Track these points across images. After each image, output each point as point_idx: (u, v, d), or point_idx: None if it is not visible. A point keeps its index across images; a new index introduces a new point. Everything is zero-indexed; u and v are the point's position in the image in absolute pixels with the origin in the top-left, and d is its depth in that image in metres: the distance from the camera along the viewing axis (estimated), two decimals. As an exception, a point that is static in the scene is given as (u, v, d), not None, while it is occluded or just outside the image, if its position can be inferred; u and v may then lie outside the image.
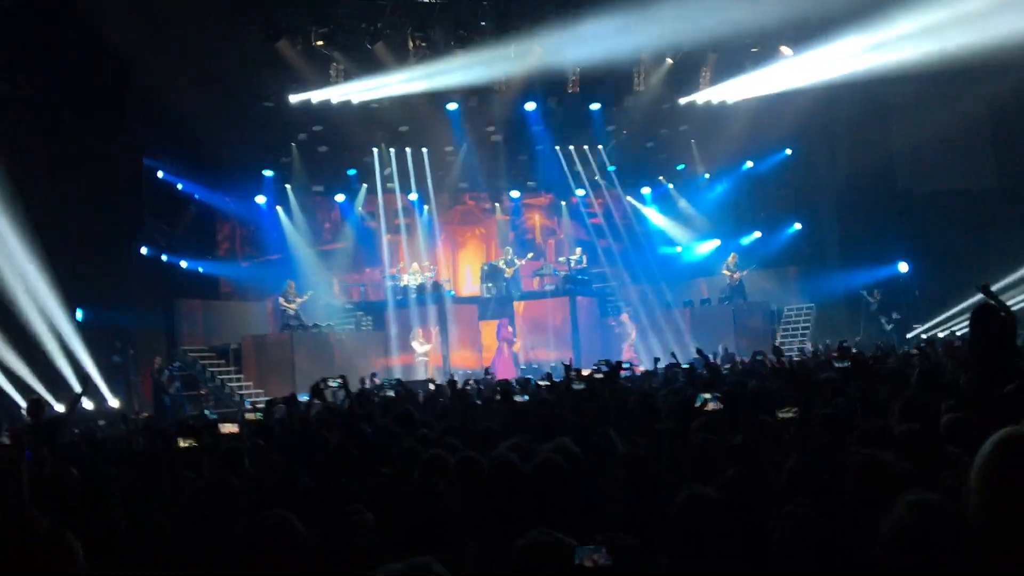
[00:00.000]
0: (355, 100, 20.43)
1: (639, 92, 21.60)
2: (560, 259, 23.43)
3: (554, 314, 22.33)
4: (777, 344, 13.29)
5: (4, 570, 3.30)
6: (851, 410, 5.10)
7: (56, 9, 15.02)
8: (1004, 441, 2.33)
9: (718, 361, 14.44)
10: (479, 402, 9.06)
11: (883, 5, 16.18)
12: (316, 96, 19.98)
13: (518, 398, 6.82)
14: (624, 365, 7.61)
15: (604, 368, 7.06)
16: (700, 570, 2.96)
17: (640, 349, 20.58)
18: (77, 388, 13.36)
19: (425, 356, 20.43)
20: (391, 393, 9.63)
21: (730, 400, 4.70)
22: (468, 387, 10.37)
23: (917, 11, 15.77)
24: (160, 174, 19.35)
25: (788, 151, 22.94)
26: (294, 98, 20.02)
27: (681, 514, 3.06)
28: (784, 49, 20.90)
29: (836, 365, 5.75)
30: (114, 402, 15.97)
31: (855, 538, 2.81)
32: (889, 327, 19.39)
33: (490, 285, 21.67)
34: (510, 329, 21.19)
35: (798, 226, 22.90)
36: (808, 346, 18.46)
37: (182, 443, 5.47)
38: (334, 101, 20.19)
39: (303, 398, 7.26)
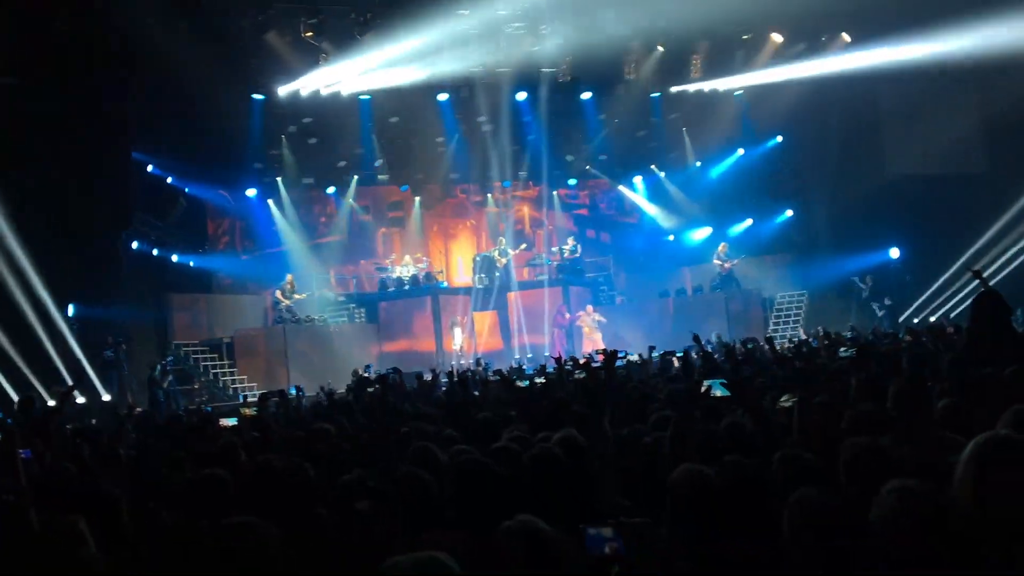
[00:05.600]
0: (344, 92, 20.39)
1: (630, 80, 21.56)
2: (553, 249, 23.38)
3: (546, 303, 22.25)
4: (768, 334, 13.35)
5: (9, 566, 3.28)
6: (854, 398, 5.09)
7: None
8: (984, 443, 2.49)
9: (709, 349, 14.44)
10: (476, 393, 9.02)
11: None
12: (306, 86, 19.91)
13: (520, 383, 6.82)
14: (620, 354, 7.63)
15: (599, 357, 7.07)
16: (699, 541, 3.00)
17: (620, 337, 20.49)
18: (69, 381, 13.24)
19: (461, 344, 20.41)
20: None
21: (734, 388, 4.69)
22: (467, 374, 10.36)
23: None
24: (149, 168, 19.14)
25: (779, 138, 22.94)
26: (283, 89, 19.90)
27: (677, 489, 3.11)
28: (775, 36, 20.93)
29: (842, 353, 5.75)
30: (106, 397, 15.89)
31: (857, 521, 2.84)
32: (881, 313, 19.43)
33: (482, 276, 21.65)
34: (567, 316, 21.26)
35: (790, 213, 22.93)
36: (801, 333, 18.48)
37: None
38: (323, 92, 20.14)
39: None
